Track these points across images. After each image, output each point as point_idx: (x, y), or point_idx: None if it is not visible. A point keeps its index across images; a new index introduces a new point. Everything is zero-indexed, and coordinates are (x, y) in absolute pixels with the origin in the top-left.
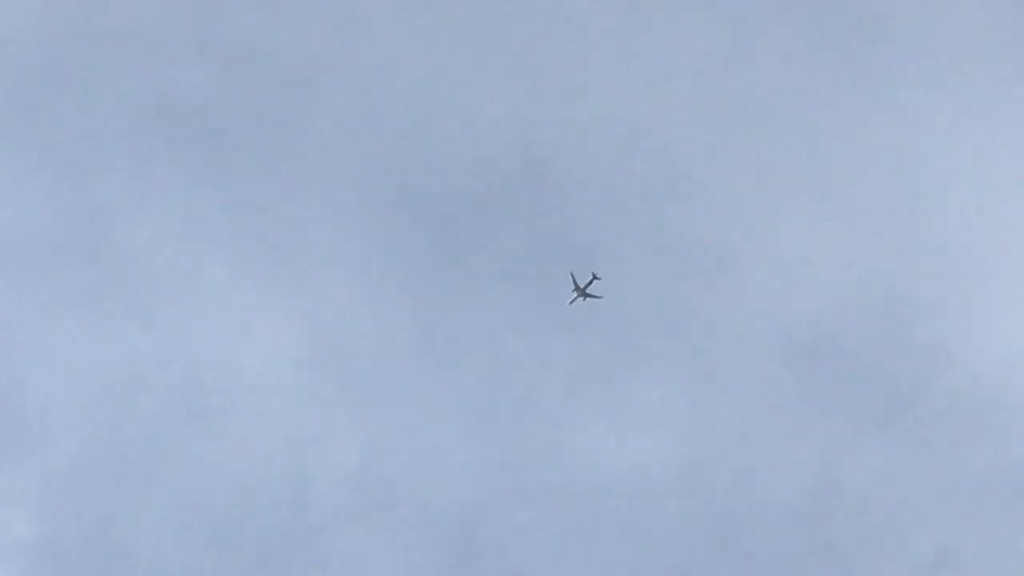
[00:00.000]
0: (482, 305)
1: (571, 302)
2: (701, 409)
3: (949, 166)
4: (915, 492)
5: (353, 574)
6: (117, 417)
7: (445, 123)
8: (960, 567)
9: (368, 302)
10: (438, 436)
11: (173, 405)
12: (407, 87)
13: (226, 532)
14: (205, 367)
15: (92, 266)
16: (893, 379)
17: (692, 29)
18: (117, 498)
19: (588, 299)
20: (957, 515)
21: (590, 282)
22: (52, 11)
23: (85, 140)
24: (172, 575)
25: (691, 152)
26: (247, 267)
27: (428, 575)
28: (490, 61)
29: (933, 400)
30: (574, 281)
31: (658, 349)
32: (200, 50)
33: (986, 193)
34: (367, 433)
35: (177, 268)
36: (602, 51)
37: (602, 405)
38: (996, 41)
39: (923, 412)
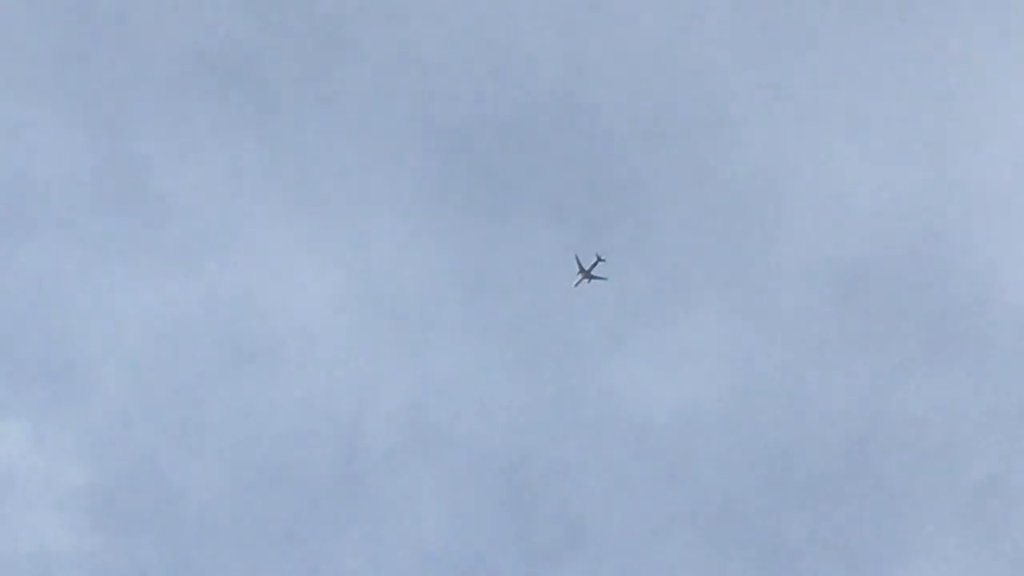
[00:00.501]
0: (528, 243)
1: (576, 284)
2: (749, 343)
3: (991, 96)
4: (964, 420)
5: (405, 513)
6: (166, 364)
7: (487, 60)
8: (1011, 492)
9: (413, 242)
10: (486, 375)
11: (222, 351)
12: (446, 25)
13: (278, 475)
14: (253, 312)
15: (136, 214)
16: (940, 308)
17: None
18: (169, 445)
19: (593, 281)
20: (1007, 441)
21: (595, 264)
22: None
23: (126, 88)
24: (225, 519)
25: (735, 88)
26: (291, 210)
27: (478, 513)
28: None
29: (980, 327)
30: (579, 263)
31: (704, 285)
32: None
33: None
34: (415, 373)
35: (222, 214)
36: None
37: (650, 342)
38: None
39: (971, 339)
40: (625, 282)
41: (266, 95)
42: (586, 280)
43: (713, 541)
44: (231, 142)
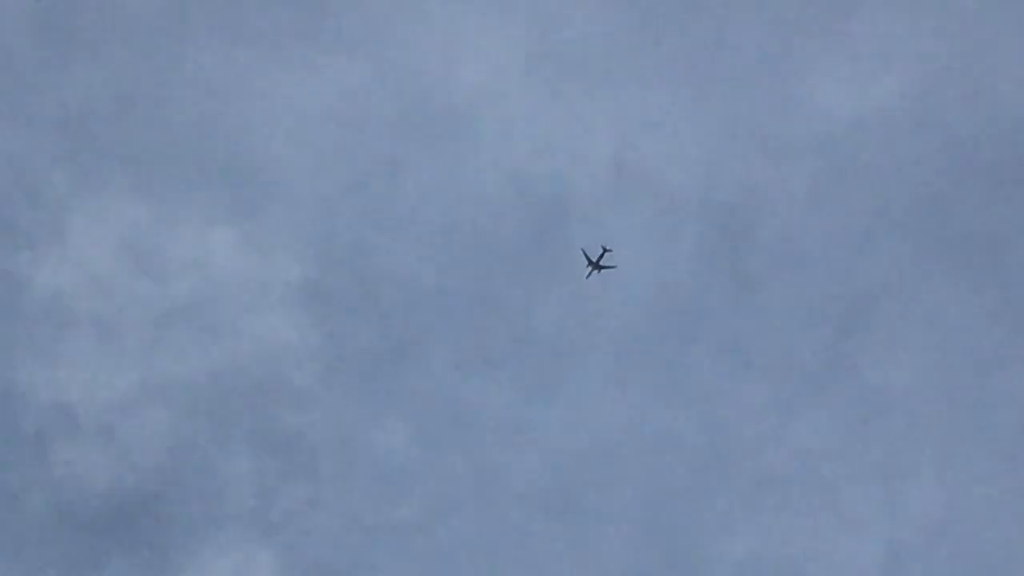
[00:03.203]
0: None
1: (587, 276)
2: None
3: None
4: None
5: (612, 260)
6: (357, 149)
7: None
8: None
9: None
10: (675, 116)
11: (411, 128)
12: None
13: (483, 243)
14: (436, 85)
15: (300, 6)
16: None
17: None
18: (373, 229)
19: (603, 271)
20: None
21: (602, 255)
22: None
23: None
24: (433, 292)
25: None
26: None
27: (687, 251)
28: None
29: None
30: (587, 257)
31: None
32: None
33: None
34: (609, 125)
35: None
36: None
37: (830, 54)
38: None
39: None
40: None
41: None
42: (596, 271)
43: (917, 240)
44: None
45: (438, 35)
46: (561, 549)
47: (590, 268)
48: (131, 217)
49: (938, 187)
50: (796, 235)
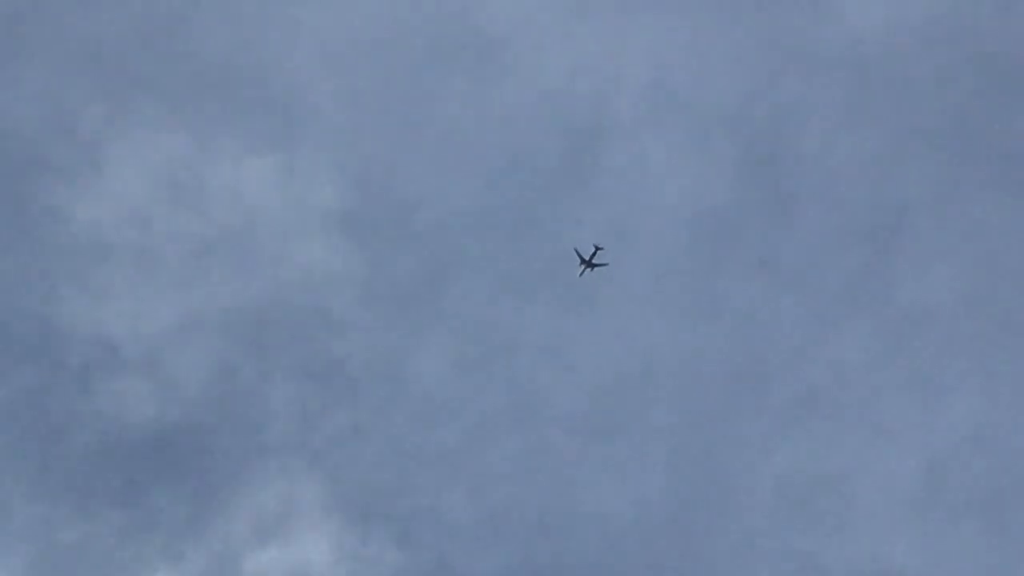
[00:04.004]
0: None
1: (580, 275)
2: None
3: None
4: None
5: (646, 175)
6: (387, 77)
7: None
8: None
9: None
10: (709, 36)
11: (441, 55)
12: None
13: (518, 165)
14: (466, 9)
15: None
16: None
17: None
18: (407, 155)
19: (596, 268)
20: None
21: (594, 254)
22: None
23: None
24: (474, 213)
25: None
26: None
27: (718, 171)
28: None
29: None
30: (579, 255)
31: None
32: None
33: None
34: (639, 45)
35: None
36: None
37: None
38: None
39: None
40: None
41: None
42: (589, 269)
43: (952, 154)
44: None
45: None
46: (601, 470)
47: (583, 266)
48: (168, 149)
49: (972, 100)
50: (831, 151)
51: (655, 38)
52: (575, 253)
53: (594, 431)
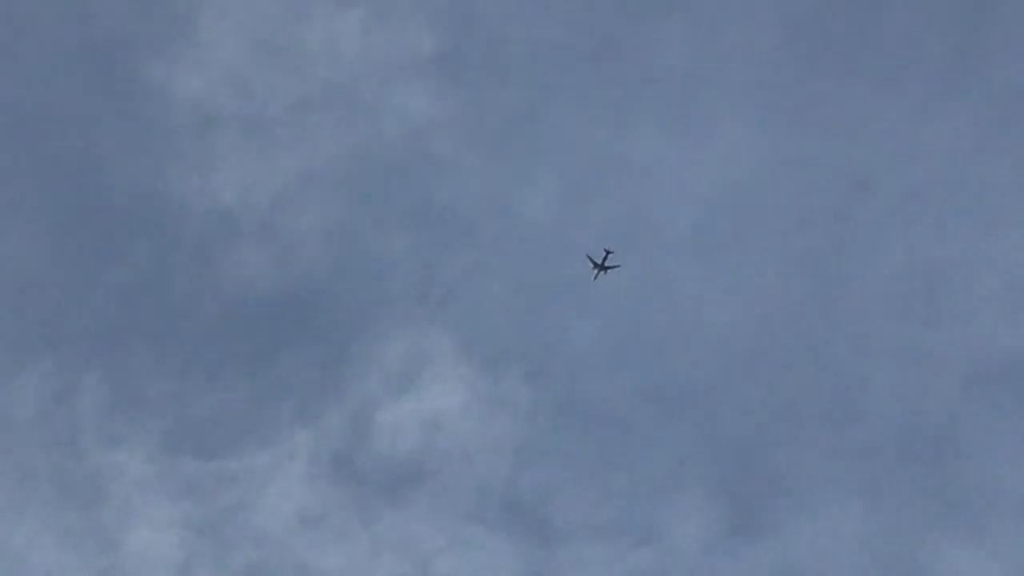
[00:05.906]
0: None
1: (594, 279)
2: None
3: None
4: None
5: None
6: None
7: None
8: None
9: None
10: None
11: None
12: None
13: None
14: None
15: None
16: None
17: None
18: None
19: (609, 271)
20: None
21: (605, 257)
22: None
23: None
24: (562, 46)
25: None
26: None
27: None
28: None
29: None
30: (591, 260)
31: None
32: None
33: None
34: None
35: None
36: None
37: None
38: None
39: None
40: None
41: None
42: (602, 272)
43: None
44: None
45: None
46: (716, 286)
47: (596, 271)
48: (259, 10)
49: None
50: None
51: None
52: (588, 259)
53: (706, 248)
